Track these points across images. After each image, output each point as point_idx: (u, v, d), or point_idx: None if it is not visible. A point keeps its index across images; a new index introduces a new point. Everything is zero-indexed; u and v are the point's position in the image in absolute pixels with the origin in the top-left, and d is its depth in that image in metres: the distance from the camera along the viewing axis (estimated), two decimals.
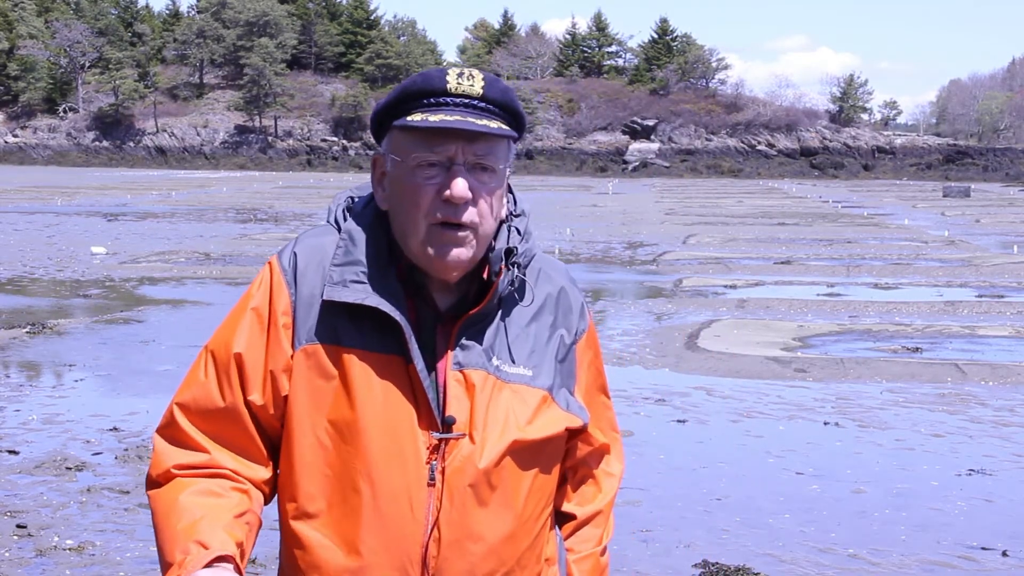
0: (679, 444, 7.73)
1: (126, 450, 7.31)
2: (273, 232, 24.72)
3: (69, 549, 5.56)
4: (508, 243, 1.97)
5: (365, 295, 1.89)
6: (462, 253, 1.89)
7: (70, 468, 6.90)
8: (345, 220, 2.00)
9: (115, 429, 7.84)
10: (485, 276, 1.95)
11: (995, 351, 11.32)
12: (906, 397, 9.11)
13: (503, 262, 1.95)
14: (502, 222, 1.98)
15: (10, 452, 7.26)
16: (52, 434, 7.74)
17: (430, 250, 1.89)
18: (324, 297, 1.91)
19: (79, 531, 5.83)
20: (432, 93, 1.89)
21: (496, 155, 1.92)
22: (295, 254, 1.96)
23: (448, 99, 1.89)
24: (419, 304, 1.94)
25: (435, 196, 1.88)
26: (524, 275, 1.98)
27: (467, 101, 1.89)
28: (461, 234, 1.88)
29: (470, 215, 1.88)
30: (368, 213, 1.98)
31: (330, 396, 1.90)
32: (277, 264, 1.97)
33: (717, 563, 5.47)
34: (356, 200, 2.04)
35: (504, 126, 1.91)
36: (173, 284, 15.97)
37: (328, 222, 2.02)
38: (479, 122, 1.87)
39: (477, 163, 1.90)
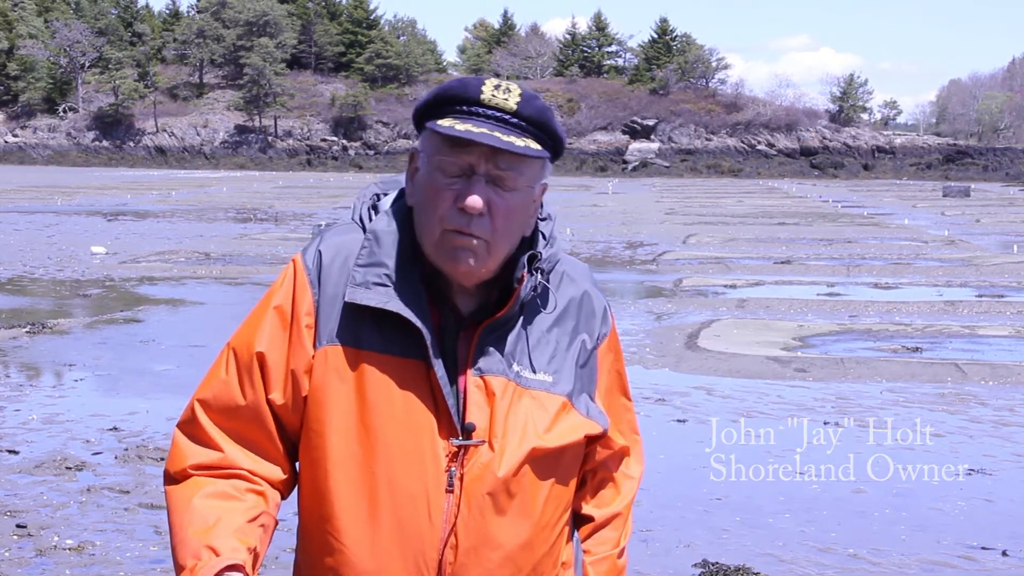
0: (679, 444, 7.74)
1: (126, 450, 7.31)
2: (273, 232, 24.71)
3: (69, 549, 5.56)
4: (532, 248, 1.95)
5: (387, 299, 1.87)
6: (471, 261, 1.87)
7: (70, 468, 6.89)
8: (371, 219, 1.97)
9: (115, 429, 7.84)
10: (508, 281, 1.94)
11: (995, 351, 11.32)
12: (906, 397, 9.11)
13: (526, 268, 1.93)
14: (524, 237, 1.95)
15: (10, 452, 7.26)
16: (52, 434, 7.74)
17: (441, 254, 1.88)
18: (346, 299, 1.89)
19: (79, 531, 5.82)
20: (466, 101, 1.87)
21: (520, 172, 1.88)
22: (319, 252, 1.94)
23: (480, 109, 1.86)
24: (442, 309, 1.93)
25: (451, 202, 1.86)
26: (547, 281, 1.96)
27: (499, 115, 1.86)
28: (475, 243, 1.86)
29: (483, 228, 1.86)
30: (396, 212, 1.96)
31: (350, 398, 1.89)
32: (301, 262, 1.95)
33: (717, 563, 5.47)
34: (383, 196, 2.02)
35: (534, 144, 1.88)
36: (173, 284, 15.96)
37: (353, 219, 1.99)
38: (505, 138, 1.84)
39: (499, 177, 1.87)
